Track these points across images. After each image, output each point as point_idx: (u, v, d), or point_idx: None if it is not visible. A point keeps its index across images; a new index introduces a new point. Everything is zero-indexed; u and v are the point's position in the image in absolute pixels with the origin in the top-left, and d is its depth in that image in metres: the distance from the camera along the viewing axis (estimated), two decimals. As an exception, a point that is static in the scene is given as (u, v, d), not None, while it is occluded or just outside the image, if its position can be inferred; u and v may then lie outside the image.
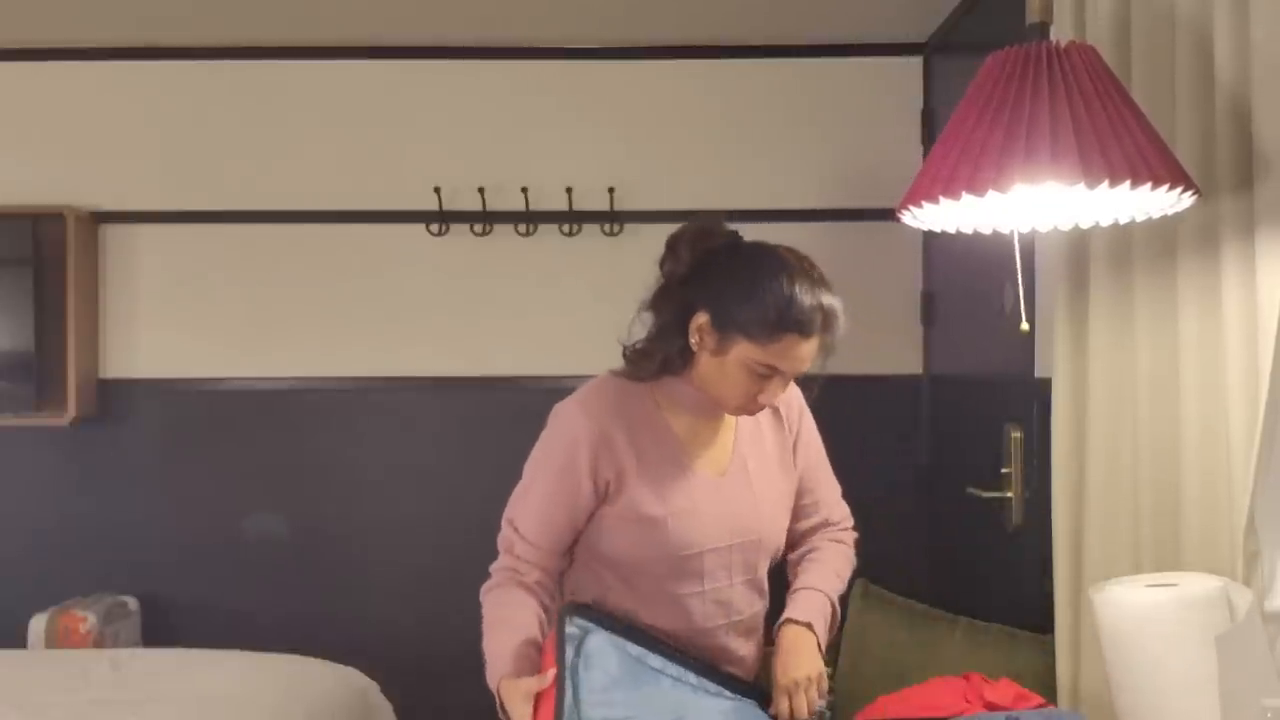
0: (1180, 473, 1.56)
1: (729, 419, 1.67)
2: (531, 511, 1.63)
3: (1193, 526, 1.53)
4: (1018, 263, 1.56)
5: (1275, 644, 1.43)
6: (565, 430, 1.60)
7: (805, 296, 1.50)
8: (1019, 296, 1.59)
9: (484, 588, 1.66)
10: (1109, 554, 1.71)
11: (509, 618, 1.59)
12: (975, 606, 2.17)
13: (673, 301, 1.58)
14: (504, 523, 1.67)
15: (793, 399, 1.74)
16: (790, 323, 1.48)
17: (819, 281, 1.53)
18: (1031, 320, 2.10)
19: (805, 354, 1.52)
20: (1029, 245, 2.06)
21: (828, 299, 1.52)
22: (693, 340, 1.56)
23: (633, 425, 1.58)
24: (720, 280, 1.54)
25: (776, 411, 1.72)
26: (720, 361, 1.54)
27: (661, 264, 1.62)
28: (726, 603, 1.64)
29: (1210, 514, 1.51)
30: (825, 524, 1.79)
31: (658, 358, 1.59)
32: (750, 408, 1.58)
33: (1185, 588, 1.40)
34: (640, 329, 1.64)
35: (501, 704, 1.51)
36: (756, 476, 1.67)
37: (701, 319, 1.54)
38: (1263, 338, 1.39)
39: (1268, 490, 1.45)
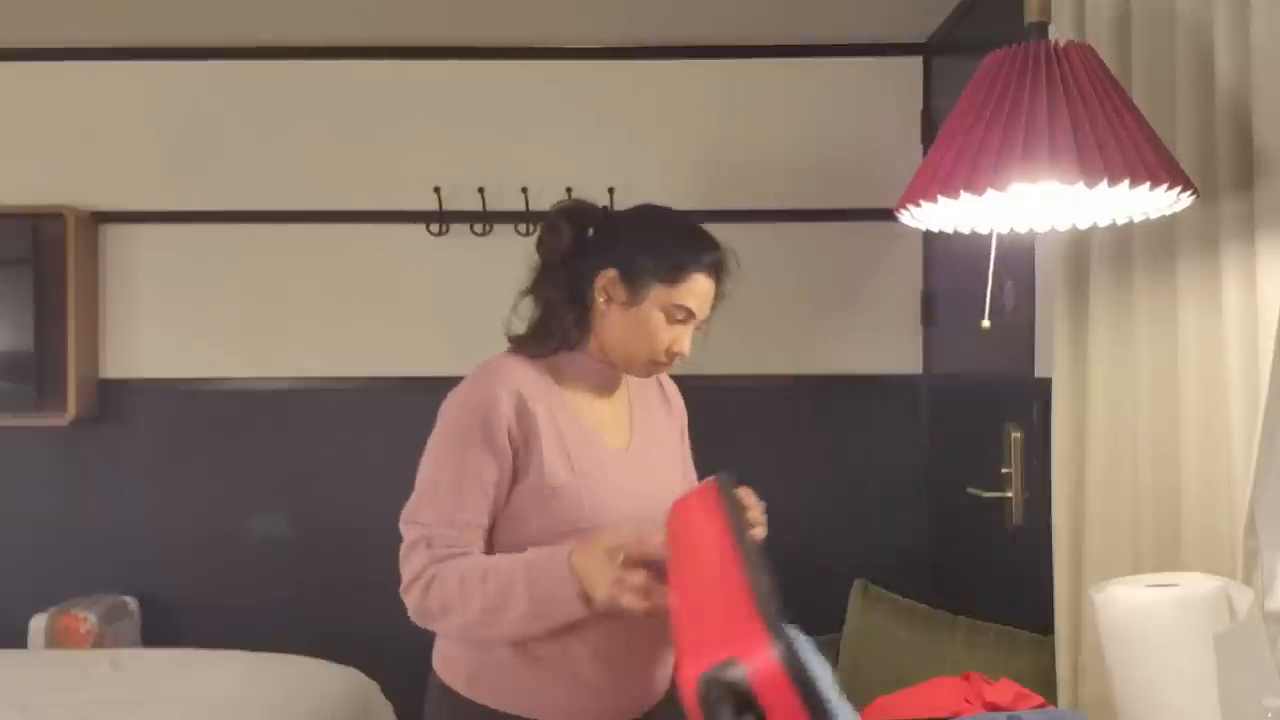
0: (1180, 473, 1.56)
1: (623, 397, 1.65)
2: (443, 500, 1.53)
3: (1193, 526, 1.53)
4: (992, 260, 1.56)
5: (1275, 644, 1.43)
6: (470, 401, 1.54)
7: (703, 238, 1.58)
8: (989, 293, 1.59)
9: (410, 591, 1.54)
10: (1109, 554, 1.72)
11: (479, 563, 1.47)
12: (975, 606, 2.17)
13: (560, 277, 1.60)
14: (407, 528, 1.57)
15: (677, 394, 1.76)
16: (697, 261, 1.54)
17: (705, 229, 1.60)
18: (1026, 319, 2.11)
19: (708, 294, 1.57)
20: (1029, 245, 2.06)
21: (711, 236, 1.59)
22: (600, 300, 1.56)
23: (534, 397, 1.54)
24: (622, 237, 1.58)
25: (665, 398, 1.73)
26: (634, 313, 1.55)
27: (540, 246, 1.64)
28: None
29: (1210, 514, 1.51)
30: None
31: (556, 333, 1.59)
32: (661, 361, 1.57)
33: (1185, 588, 1.40)
34: (519, 321, 1.65)
35: (582, 594, 1.38)
36: (655, 454, 1.65)
37: (609, 274, 1.56)
38: (1263, 338, 1.39)
39: (1268, 490, 1.45)
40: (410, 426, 3.22)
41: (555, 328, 1.59)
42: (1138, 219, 1.45)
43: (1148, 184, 1.29)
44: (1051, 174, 1.29)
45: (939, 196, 1.37)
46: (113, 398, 3.05)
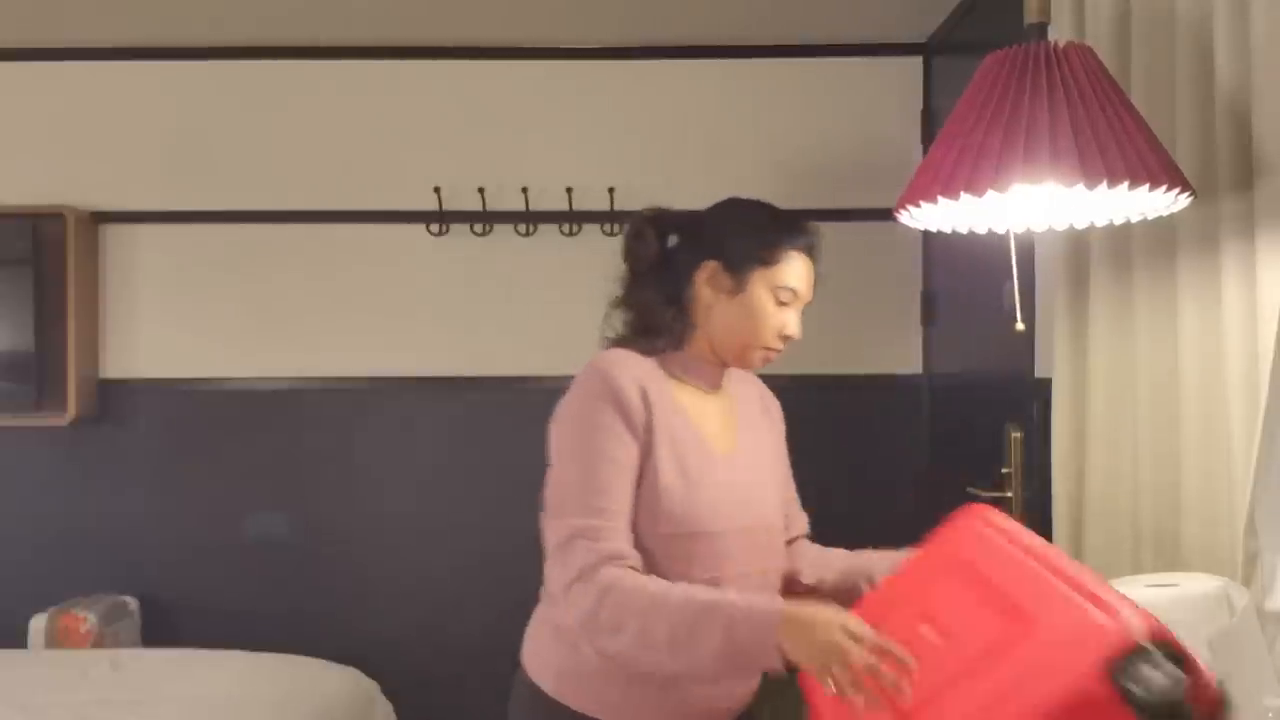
0: (1180, 473, 1.56)
1: (726, 399, 1.64)
2: (591, 491, 1.43)
3: (1193, 526, 1.53)
4: (1013, 263, 1.56)
5: (1275, 644, 1.43)
6: (605, 389, 1.48)
7: (795, 219, 1.59)
8: (1015, 296, 1.59)
9: (574, 591, 1.41)
10: (1109, 554, 1.72)
11: (668, 592, 1.37)
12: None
13: (653, 281, 1.60)
14: (556, 524, 1.46)
15: (776, 405, 1.75)
16: (793, 240, 1.56)
17: (794, 214, 1.61)
18: (1029, 320, 2.11)
19: (808, 274, 1.58)
20: (1029, 245, 2.06)
21: (810, 225, 1.60)
22: (705, 293, 1.56)
23: (652, 391, 1.51)
24: (715, 231, 1.59)
25: (764, 403, 1.72)
26: (741, 299, 1.55)
27: (628, 255, 1.63)
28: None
29: (1210, 514, 1.51)
30: (804, 536, 1.75)
31: (664, 331, 1.58)
32: (774, 346, 1.57)
33: (1185, 588, 1.39)
34: (611, 331, 1.64)
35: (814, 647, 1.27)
36: (758, 459, 1.64)
37: (709, 266, 1.56)
38: (1263, 338, 1.39)
39: (1268, 490, 1.45)
40: (410, 426, 3.25)
41: (660, 326, 1.58)
42: (1136, 219, 1.46)
43: (1147, 185, 1.29)
44: (1052, 175, 1.29)
45: (939, 197, 1.37)
46: (113, 398, 3.05)
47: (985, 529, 1.36)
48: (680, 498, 1.48)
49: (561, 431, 1.51)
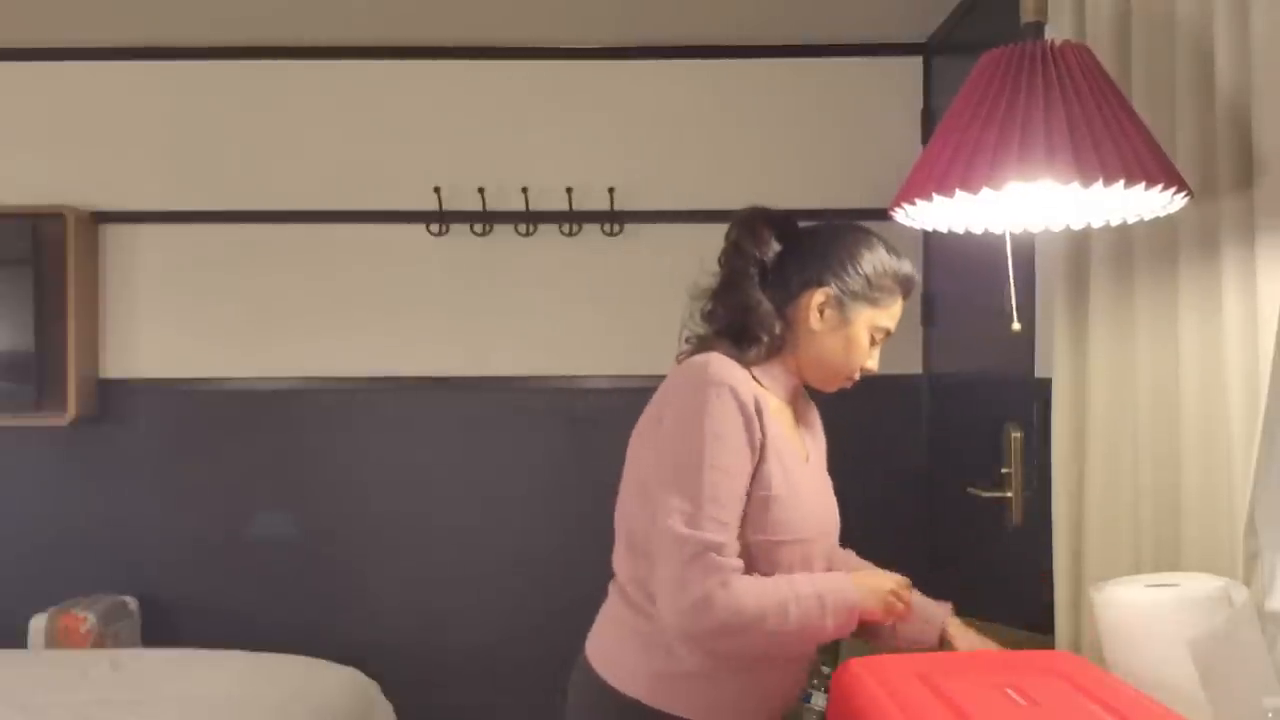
0: (1180, 473, 1.56)
1: (793, 410, 1.66)
2: (718, 503, 1.44)
3: (1193, 526, 1.53)
4: (1010, 263, 1.56)
5: (1275, 644, 1.43)
6: (729, 391, 1.48)
7: (903, 262, 1.63)
8: (1011, 296, 1.59)
9: (701, 610, 1.42)
10: (1109, 554, 1.71)
11: (782, 585, 1.48)
12: (975, 606, 2.17)
13: (758, 286, 1.59)
14: (685, 538, 1.43)
15: (813, 404, 1.77)
16: (901, 286, 1.61)
17: (900, 253, 1.65)
18: (1026, 319, 2.11)
19: (899, 316, 1.64)
20: (1029, 245, 2.06)
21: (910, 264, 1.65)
22: (811, 318, 1.57)
23: (760, 400, 1.52)
24: (833, 258, 1.59)
25: (812, 408, 1.74)
26: (844, 334, 1.58)
27: (738, 251, 1.61)
28: None
29: (1210, 514, 1.51)
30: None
31: (767, 340, 1.57)
32: (853, 378, 1.63)
33: (1185, 588, 1.39)
34: (694, 321, 1.63)
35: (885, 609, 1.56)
36: (823, 469, 1.69)
37: (822, 296, 1.57)
38: (1263, 338, 1.39)
39: (1268, 490, 1.45)
40: (410, 426, 3.24)
41: (763, 335, 1.57)
42: (1133, 220, 1.45)
43: (1143, 184, 1.29)
44: (1047, 173, 1.29)
45: (934, 195, 1.37)
46: (113, 398, 3.05)
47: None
48: (789, 506, 1.51)
49: (681, 434, 1.48)
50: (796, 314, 1.58)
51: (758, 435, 1.48)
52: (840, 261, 1.58)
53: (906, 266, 1.62)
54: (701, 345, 1.59)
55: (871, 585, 1.55)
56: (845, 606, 1.50)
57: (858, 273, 1.57)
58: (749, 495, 1.48)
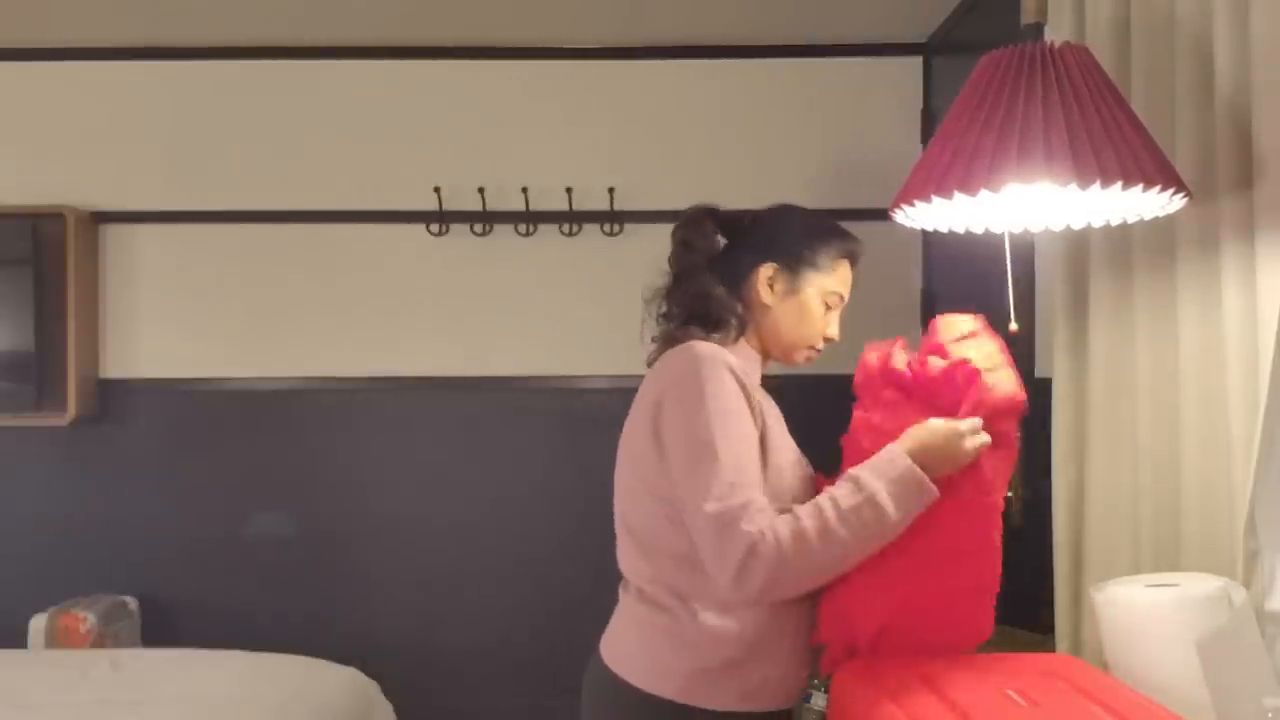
0: (1180, 473, 1.56)
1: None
2: (735, 469, 1.45)
3: (1193, 526, 1.54)
4: (1008, 263, 1.56)
5: (1275, 644, 1.43)
6: (720, 366, 1.51)
7: (844, 230, 1.70)
8: (1010, 297, 1.59)
9: (748, 571, 1.41)
10: (1109, 554, 1.72)
11: (820, 510, 1.43)
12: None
13: (715, 272, 1.66)
14: (709, 510, 1.43)
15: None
16: (845, 249, 1.68)
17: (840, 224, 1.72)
18: (1026, 319, 2.11)
19: (850, 280, 1.70)
20: (1029, 245, 2.06)
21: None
22: (762, 292, 1.64)
23: (750, 381, 1.60)
24: (774, 234, 1.68)
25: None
26: (796, 302, 1.65)
27: (686, 249, 1.68)
28: None
29: (1210, 514, 1.51)
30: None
31: (733, 320, 1.63)
32: (816, 347, 1.68)
33: (1185, 588, 1.40)
34: (653, 323, 1.69)
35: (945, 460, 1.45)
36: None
37: (769, 269, 1.64)
38: (1263, 338, 1.39)
39: (1267, 490, 1.46)
40: (410, 426, 3.24)
41: (724, 318, 1.63)
42: (1132, 220, 1.46)
43: (1141, 185, 1.29)
44: (1045, 175, 1.29)
45: (933, 196, 1.37)
46: (113, 398, 3.05)
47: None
48: (789, 476, 1.56)
49: (684, 418, 1.50)
50: (750, 293, 1.65)
51: (757, 405, 1.54)
52: (782, 235, 1.67)
53: (847, 233, 1.69)
54: (669, 340, 1.63)
55: (923, 438, 1.45)
56: (895, 475, 1.42)
57: (799, 242, 1.65)
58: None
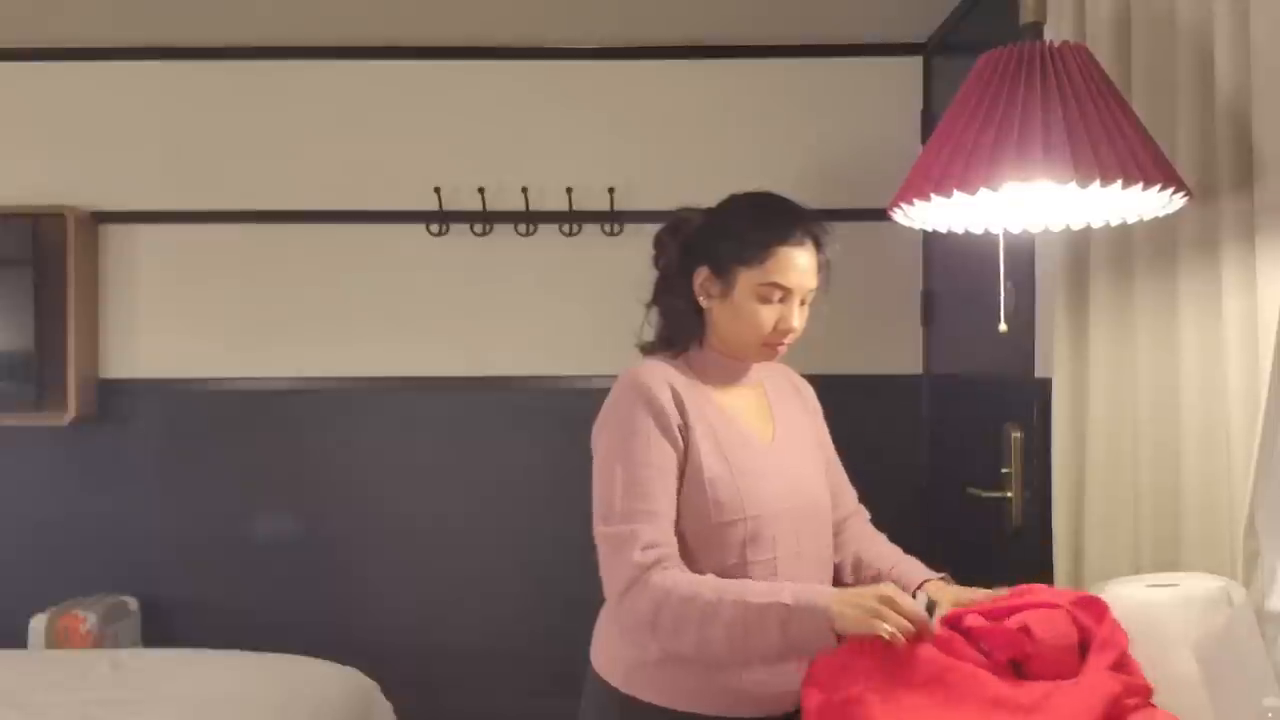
0: (1180, 473, 1.56)
1: (760, 391, 1.70)
2: (637, 497, 1.49)
3: (1193, 526, 1.54)
4: (1001, 262, 1.56)
5: (1275, 644, 1.43)
6: (637, 399, 1.55)
7: (777, 206, 1.60)
8: (1002, 297, 1.60)
9: (628, 599, 1.46)
10: (1109, 554, 1.72)
11: (719, 590, 1.42)
12: (975, 606, 2.17)
13: (674, 285, 1.66)
14: (607, 533, 1.50)
15: (808, 388, 1.81)
16: (776, 237, 1.56)
17: (793, 201, 1.62)
18: (1025, 319, 2.11)
19: (803, 264, 1.57)
20: (1029, 245, 2.06)
21: (798, 207, 1.61)
22: (701, 299, 1.62)
23: (684, 392, 1.58)
24: (704, 235, 1.63)
25: (798, 391, 1.78)
26: (731, 303, 1.58)
27: (656, 262, 1.71)
28: (794, 578, 1.56)
29: (1210, 514, 1.51)
30: (855, 513, 1.84)
31: (682, 334, 1.65)
32: (774, 342, 1.60)
33: (1185, 588, 1.40)
34: (651, 330, 1.71)
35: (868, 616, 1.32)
36: (799, 446, 1.69)
37: (701, 274, 1.61)
38: (1263, 338, 1.39)
39: (1268, 490, 1.45)
40: (410, 426, 3.24)
41: (679, 330, 1.65)
42: (1132, 220, 1.46)
43: (1140, 184, 1.29)
44: (1044, 173, 1.29)
45: (932, 195, 1.37)
46: (113, 398, 3.05)
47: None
48: (728, 485, 1.54)
49: (600, 442, 1.59)
50: (696, 300, 1.63)
51: (675, 424, 1.54)
52: (709, 236, 1.62)
53: (783, 217, 1.58)
54: (645, 351, 1.69)
55: (846, 597, 1.37)
56: (800, 611, 1.36)
57: (725, 239, 1.59)
58: (683, 481, 1.54)
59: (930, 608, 1.45)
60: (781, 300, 1.57)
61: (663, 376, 1.58)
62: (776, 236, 1.56)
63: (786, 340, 1.60)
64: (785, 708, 1.55)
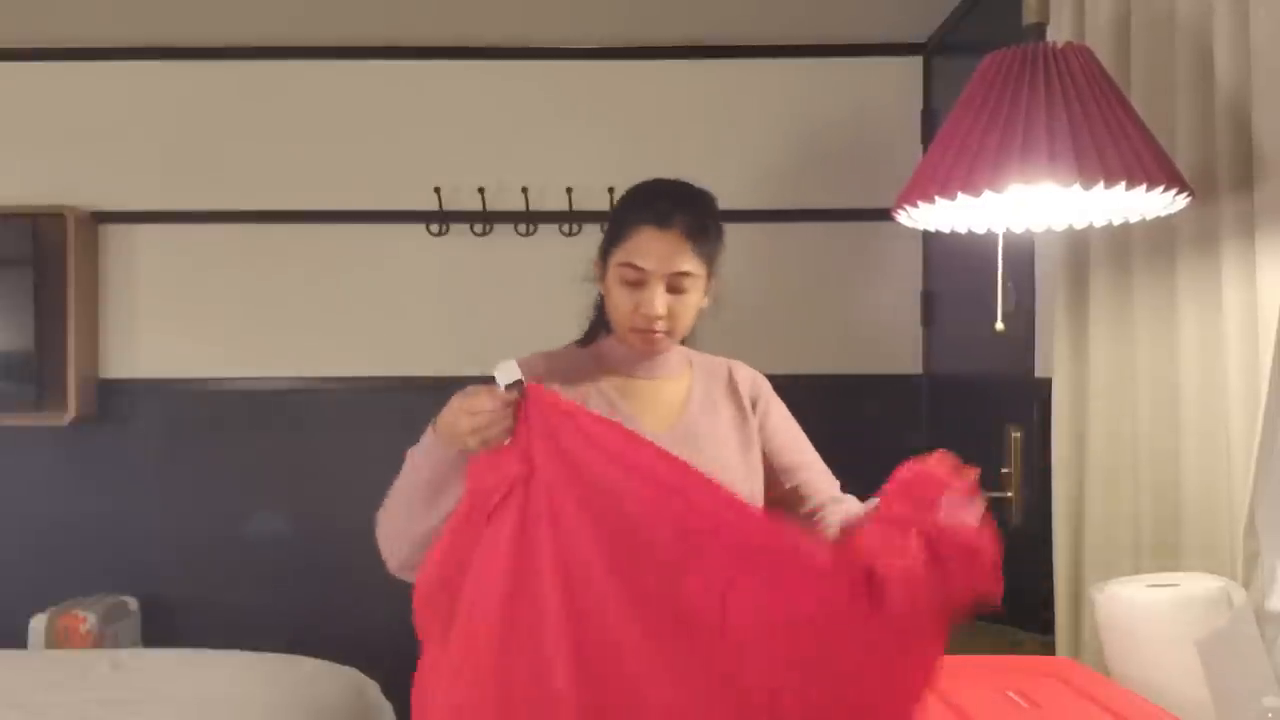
0: (1180, 473, 1.57)
1: (685, 384, 1.64)
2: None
3: (1193, 527, 1.54)
4: (999, 262, 1.57)
5: (1275, 644, 1.43)
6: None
7: (650, 188, 1.55)
8: (999, 296, 1.60)
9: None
10: (1109, 554, 1.72)
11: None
12: (975, 606, 2.17)
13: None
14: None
15: (755, 381, 1.71)
16: (632, 212, 1.52)
17: (675, 182, 1.56)
18: (1025, 319, 2.12)
19: (663, 248, 1.48)
20: (1029, 245, 2.06)
21: (677, 188, 1.54)
22: (598, 286, 1.63)
23: (569, 381, 1.59)
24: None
25: (735, 391, 1.68)
26: (606, 286, 1.58)
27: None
28: None
29: (1210, 514, 1.51)
30: (832, 500, 1.74)
31: (595, 324, 1.69)
32: (641, 328, 1.53)
33: (1185, 588, 1.40)
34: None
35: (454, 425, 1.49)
36: (707, 443, 1.60)
37: (595, 260, 1.63)
38: (1262, 338, 1.39)
39: (1267, 491, 1.46)
40: (410, 426, 3.22)
41: (593, 320, 1.69)
42: (1134, 220, 1.46)
43: (1144, 185, 1.29)
44: (1048, 175, 1.29)
45: (936, 197, 1.37)
46: (113, 398, 3.05)
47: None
48: None
49: None
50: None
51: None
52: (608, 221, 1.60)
53: (646, 196, 1.53)
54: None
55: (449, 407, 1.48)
56: (425, 438, 1.56)
57: (609, 224, 1.58)
58: None
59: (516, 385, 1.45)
60: (640, 283, 1.50)
61: (538, 369, 1.59)
62: (636, 217, 1.51)
63: (657, 328, 1.51)
64: None
